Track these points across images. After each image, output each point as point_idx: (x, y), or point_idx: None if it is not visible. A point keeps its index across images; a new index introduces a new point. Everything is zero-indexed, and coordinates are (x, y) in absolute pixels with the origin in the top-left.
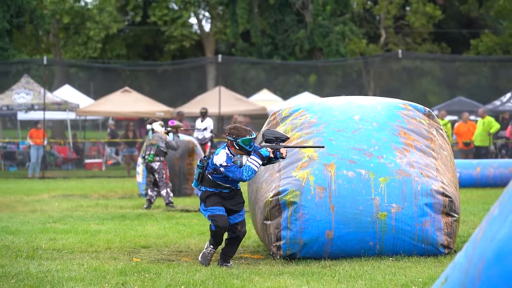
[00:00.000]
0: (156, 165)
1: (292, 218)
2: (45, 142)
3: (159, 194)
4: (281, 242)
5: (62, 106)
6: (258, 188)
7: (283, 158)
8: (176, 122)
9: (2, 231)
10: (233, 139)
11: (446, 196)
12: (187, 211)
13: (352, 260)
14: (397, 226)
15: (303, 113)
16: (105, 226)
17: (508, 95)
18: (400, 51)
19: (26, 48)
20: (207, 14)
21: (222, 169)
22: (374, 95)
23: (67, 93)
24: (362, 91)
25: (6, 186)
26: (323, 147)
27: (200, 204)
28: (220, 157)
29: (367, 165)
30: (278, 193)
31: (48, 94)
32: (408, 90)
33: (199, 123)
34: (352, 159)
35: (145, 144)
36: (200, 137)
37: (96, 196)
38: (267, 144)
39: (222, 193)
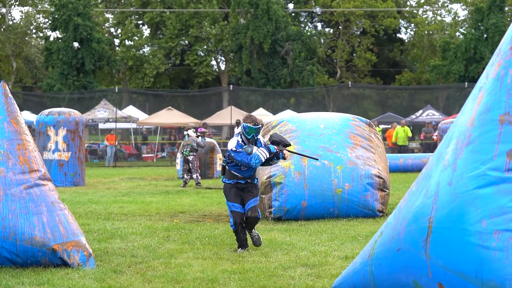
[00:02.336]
0: (190, 158)
1: (279, 193)
2: (116, 143)
3: (191, 178)
4: (272, 209)
5: (127, 119)
6: (256, 173)
7: (284, 158)
8: (203, 129)
9: (88, 202)
10: (242, 123)
11: (381, 178)
12: (210, 188)
13: (319, 221)
14: (349, 198)
15: (286, 123)
16: (155, 198)
17: (420, 111)
18: (350, 82)
19: (104, 81)
20: (223, 58)
21: (232, 154)
22: (333, 111)
23: (131, 111)
24: (325, 109)
25: (91, 172)
26: (317, 159)
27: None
28: (232, 143)
29: (328, 158)
30: (270, 176)
31: (118, 112)
32: (355, 108)
33: (236, 130)
34: (319, 153)
35: (182, 144)
36: None
37: (150, 179)
38: (274, 145)
39: (239, 184)
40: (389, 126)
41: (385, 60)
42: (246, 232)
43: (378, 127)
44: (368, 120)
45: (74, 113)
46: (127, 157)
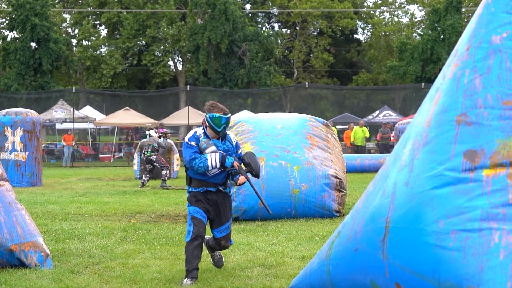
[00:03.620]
0: (154, 157)
1: (236, 194)
2: (74, 143)
3: (150, 179)
4: None
5: (84, 119)
6: None
7: (235, 183)
8: (165, 130)
9: (45, 202)
10: (206, 114)
11: (338, 178)
12: (166, 188)
13: (276, 221)
14: (306, 198)
15: (243, 124)
16: (112, 198)
17: (377, 112)
18: (306, 83)
19: (62, 81)
20: (180, 58)
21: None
22: (290, 112)
23: (88, 111)
24: (282, 110)
25: (48, 172)
26: (270, 212)
27: (188, 203)
28: (189, 134)
29: (286, 158)
30: None
31: (76, 112)
32: (312, 108)
33: None
34: (276, 154)
35: (140, 144)
36: None
37: (107, 179)
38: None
39: (209, 193)
40: (346, 127)
41: (342, 61)
42: (205, 250)
43: (334, 127)
44: (325, 121)
45: (32, 113)
46: (84, 158)
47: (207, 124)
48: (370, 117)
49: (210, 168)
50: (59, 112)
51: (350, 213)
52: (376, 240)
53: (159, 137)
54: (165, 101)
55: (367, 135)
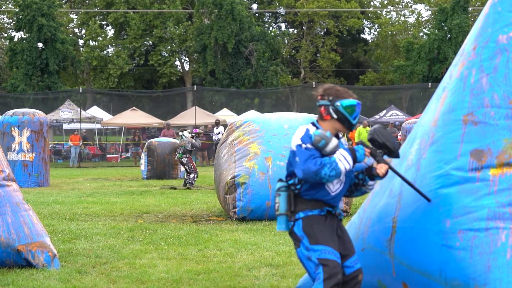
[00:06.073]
0: (185, 160)
1: (244, 193)
2: (81, 143)
3: (195, 177)
4: (236, 209)
5: (91, 119)
6: (221, 173)
7: (377, 176)
8: (198, 130)
9: (52, 202)
10: (328, 103)
11: None
12: (174, 188)
13: None
14: None
15: (250, 123)
16: (120, 199)
17: (384, 111)
18: (313, 82)
19: (69, 82)
20: (187, 58)
21: (296, 158)
22: (297, 112)
23: (95, 111)
24: (289, 109)
25: (55, 172)
26: (429, 200)
27: (299, 242)
28: (297, 134)
29: None
30: (234, 177)
31: (83, 112)
32: None
33: (215, 129)
34: (283, 154)
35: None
36: (217, 139)
37: (114, 179)
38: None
39: (329, 214)
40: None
41: (348, 61)
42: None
43: None
44: None
45: (39, 113)
46: (91, 158)
47: (335, 116)
48: (377, 116)
49: (343, 170)
50: (66, 113)
51: (357, 212)
52: (383, 240)
53: (192, 137)
54: (172, 101)
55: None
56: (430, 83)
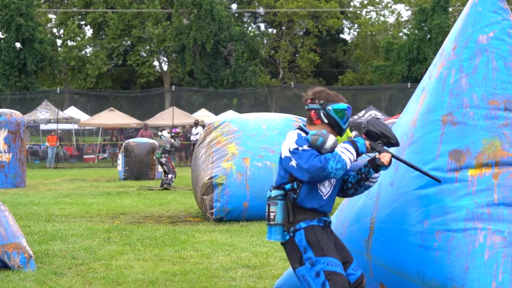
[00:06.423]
0: (163, 160)
1: (221, 194)
2: (58, 144)
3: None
4: (213, 210)
5: (69, 120)
6: (198, 174)
7: (382, 165)
8: (177, 130)
9: (29, 203)
10: (319, 107)
11: None
12: (151, 189)
13: (261, 222)
14: None
15: (228, 124)
16: (96, 199)
17: (363, 112)
18: (292, 83)
19: (46, 82)
20: (165, 58)
21: (293, 162)
22: (275, 112)
23: (72, 111)
24: (267, 110)
25: (32, 173)
26: (440, 181)
27: (300, 255)
28: (289, 139)
29: (270, 159)
30: (212, 177)
31: (60, 112)
32: (298, 109)
33: (193, 130)
34: (260, 154)
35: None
36: (195, 139)
37: (91, 180)
38: (369, 138)
39: (325, 224)
40: None
41: (328, 61)
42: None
43: None
44: None
45: (16, 114)
46: (68, 158)
47: (326, 121)
48: (355, 117)
49: (348, 163)
50: (43, 113)
51: (335, 213)
52: (361, 241)
53: (172, 137)
54: (150, 102)
55: (350, 135)
56: (409, 84)
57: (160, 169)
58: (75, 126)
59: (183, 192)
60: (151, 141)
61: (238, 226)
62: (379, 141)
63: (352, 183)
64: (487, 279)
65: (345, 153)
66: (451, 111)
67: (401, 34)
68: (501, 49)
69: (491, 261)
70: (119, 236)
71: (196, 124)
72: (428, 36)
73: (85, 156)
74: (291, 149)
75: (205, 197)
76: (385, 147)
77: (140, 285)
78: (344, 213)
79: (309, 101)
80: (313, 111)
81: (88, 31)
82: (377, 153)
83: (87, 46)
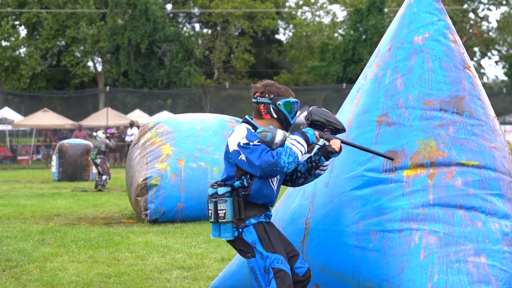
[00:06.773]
0: (98, 161)
1: (155, 195)
2: None
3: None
4: (148, 211)
5: (2, 121)
6: (133, 175)
7: (333, 152)
8: (112, 130)
9: None
10: (269, 101)
11: None
12: (86, 191)
13: (195, 223)
14: None
15: (163, 125)
16: (30, 201)
17: (298, 112)
18: (227, 83)
19: None
20: (99, 59)
21: (242, 156)
22: (210, 112)
23: (6, 112)
24: (202, 110)
25: None
26: (392, 159)
27: (251, 249)
28: (238, 133)
29: (205, 159)
30: (146, 178)
31: None
32: (233, 109)
33: (129, 131)
34: (195, 155)
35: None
36: (130, 140)
37: (25, 181)
38: (314, 127)
39: (270, 219)
40: None
41: (263, 61)
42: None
43: None
44: None
45: None
46: (2, 160)
47: (275, 116)
48: None
49: (300, 155)
50: None
51: None
52: (296, 241)
53: (107, 137)
54: (84, 102)
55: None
56: (344, 84)
57: (94, 170)
58: (9, 127)
59: (118, 193)
60: (85, 142)
61: (172, 227)
62: (325, 129)
63: (302, 171)
64: (423, 279)
65: (296, 145)
66: (386, 112)
67: (336, 34)
68: (436, 50)
69: (426, 262)
70: (53, 238)
71: (132, 125)
72: (364, 36)
73: (19, 158)
74: (241, 144)
75: (139, 198)
76: (332, 134)
77: (75, 287)
78: (279, 214)
79: (258, 94)
80: (262, 105)
81: (22, 31)
82: (325, 141)
83: (21, 46)
